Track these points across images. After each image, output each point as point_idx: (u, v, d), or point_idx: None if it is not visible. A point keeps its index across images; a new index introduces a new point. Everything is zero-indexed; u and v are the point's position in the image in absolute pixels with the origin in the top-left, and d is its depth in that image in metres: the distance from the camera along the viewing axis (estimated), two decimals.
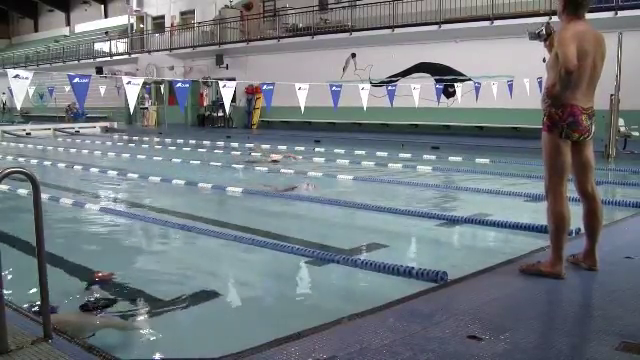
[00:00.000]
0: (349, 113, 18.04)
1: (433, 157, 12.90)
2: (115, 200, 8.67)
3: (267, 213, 7.41)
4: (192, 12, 30.04)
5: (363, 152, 14.14)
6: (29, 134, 23.65)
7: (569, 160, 3.87)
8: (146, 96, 30.03)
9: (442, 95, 13.48)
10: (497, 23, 18.00)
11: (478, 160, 12.03)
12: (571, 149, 3.88)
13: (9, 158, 14.39)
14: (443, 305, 3.39)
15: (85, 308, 3.87)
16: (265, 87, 9.41)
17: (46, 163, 13.19)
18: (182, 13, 30.73)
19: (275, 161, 12.33)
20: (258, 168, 11.56)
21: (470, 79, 17.00)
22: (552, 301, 3.60)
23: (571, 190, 4.04)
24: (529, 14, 16.93)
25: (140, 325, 3.77)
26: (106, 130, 25.78)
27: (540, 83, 10.60)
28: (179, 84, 8.26)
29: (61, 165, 12.62)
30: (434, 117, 19.08)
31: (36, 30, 48.64)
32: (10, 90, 7.36)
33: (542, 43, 4.19)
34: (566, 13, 3.89)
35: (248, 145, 16.02)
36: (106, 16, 41.28)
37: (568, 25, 3.84)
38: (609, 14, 15.78)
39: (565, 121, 3.78)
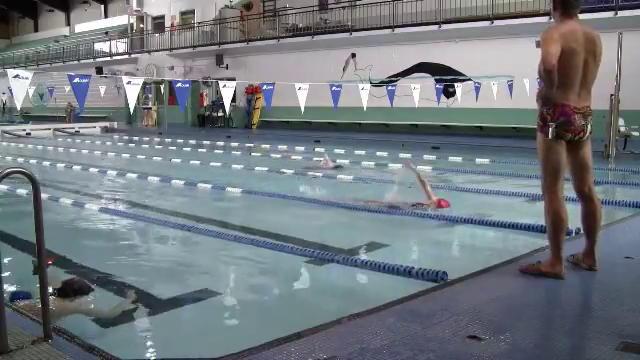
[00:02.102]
0: (349, 113, 18.04)
1: (433, 157, 12.90)
2: (122, 200, 8.63)
3: (268, 212, 7.41)
4: (192, 12, 30.04)
5: (363, 152, 14.13)
6: (29, 134, 23.65)
7: (563, 160, 3.85)
8: (150, 96, 30.03)
9: (442, 95, 13.48)
10: (497, 23, 18.01)
11: (478, 160, 12.02)
12: (567, 149, 3.86)
13: (9, 158, 14.39)
14: (443, 305, 3.39)
15: (60, 293, 3.86)
16: (265, 87, 9.41)
17: (46, 163, 13.19)
18: (182, 13, 30.73)
19: (337, 166, 11.32)
20: (342, 176, 10.13)
21: (470, 79, 17.00)
22: (552, 301, 3.60)
23: (570, 189, 4.05)
24: (529, 14, 16.95)
25: (133, 321, 3.78)
26: (106, 130, 25.79)
27: (540, 83, 10.60)
28: (179, 84, 8.27)
29: (61, 165, 12.62)
30: (434, 117, 19.09)
31: (36, 30, 48.64)
32: (10, 90, 7.36)
33: None
34: (557, 12, 3.89)
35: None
36: (106, 16, 41.27)
37: (558, 25, 3.85)
38: (609, 14, 15.79)
39: (556, 121, 3.77)
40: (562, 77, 3.72)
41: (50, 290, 3.85)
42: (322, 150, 13.53)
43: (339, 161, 11.97)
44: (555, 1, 3.90)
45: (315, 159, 12.56)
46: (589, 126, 3.85)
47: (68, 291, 3.87)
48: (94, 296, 4.07)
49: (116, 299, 4.13)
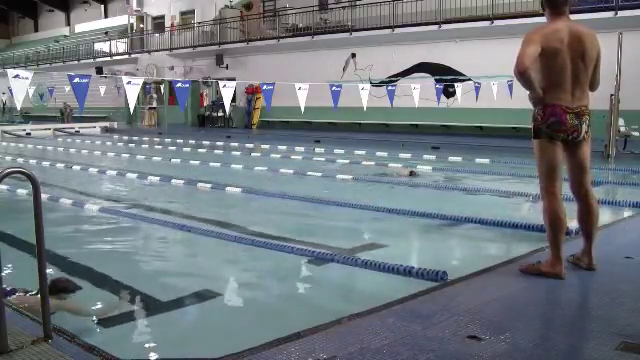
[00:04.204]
0: (349, 113, 18.04)
1: (433, 157, 12.90)
2: (122, 200, 8.61)
3: (268, 213, 7.40)
4: (192, 12, 30.05)
5: (363, 152, 14.13)
6: (29, 134, 23.65)
7: (559, 160, 3.83)
8: (154, 96, 30.02)
9: (442, 95, 13.48)
10: (497, 23, 18.01)
11: (478, 160, 12.02)
12: (564, 150, 3.85)
13: (9, 158, 14.39)
14: (443, 305, 3.39)
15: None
16: (265, 87, 9.41)
17: (46, 163, 13.19)
18: (182, 13, 30.74)
19: (412, 173, 10.18)
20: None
21: (470, 79, 17.00)
22: (552, 301, 3.60)
23: (569, 189, 4.04)
24: (529, 14, 16.93)
25: (133, 321, 3.78)
26: (106, 130, 25.79)
27: None
28: (179, 84, 8.26)
29: (61, 165, 12.62)
30: (434, 117, 19.08)
31: (36, 30, 48.63)
32: (10, 90, 7.36)
33: None
34: (547, 12, 3.89)
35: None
36: (106, 16, 41.27)
37: (544, 25, 3.85)
38: (609, 14, 15.80)
39: (547, 121, 3.76)
40: (550, 77, 3.72)
41: (34, 290, 3.86)
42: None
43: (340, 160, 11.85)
44: (542, 1, 3.90)
45: (391, 165, 11.41)
46: (584, 126, 3.82)
47: (52, 289, 3.86)
48: (93, 295, 4.07)
49: (109, 299, 4.14)
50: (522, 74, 3.59)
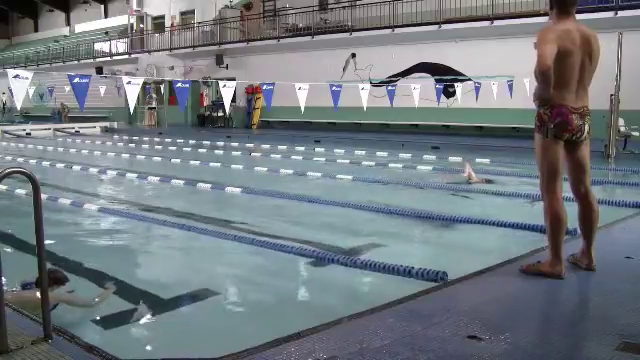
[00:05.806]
0: (349, 113, 18.04)
1: (433, 157, 12.89)
2: (122, 200, 8.62)
3: (268, 212, 7.40)
4: (192, 12, 30.04)
5: (363, 152, 14.13)
6: (29, 134, 23.66)
7: (561, 160, 3.84)
8: (154, 96, 30.02)
9: (442, 95, 13.48)
10: (497, 23, 18.01)
11: (478, 160, 12.02)
12: (565, 149, 3.85)
13: (9, 158, 14.39)
14: (443, 305, 3.39)
15: (37, 284, 3.85)
16: (265, 87, 9.41)
17: (46, 163, 13.19)
18: (182, 13, 30.72)
19: (488, 180, 9.22)
20: None
21: (470, 79, 17.00)
22: (552, 301, 3.60)
23: (569, 189, 4.04)
24: (529, 14, 16.94)
25: (133, 321, 3.78)
26: (106, 130, 25.79)
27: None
28: (179, 84, 8.26)
29: (61, 165, 12.62)
30: (434, 117, 19.09)
31: (36, 30, 48.61)
32: (10, 90, 7.36)
33: None
34: (554, 12, 3.89)
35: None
36: (106, 16, 41.26)
37: (553, 24, 3.84)
38: (609, 14, 15.79)
39: (553, 121, 3.76)
40: (558, 77, 3.70)
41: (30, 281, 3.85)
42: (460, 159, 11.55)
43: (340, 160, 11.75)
44: (551, 0, 3.89)
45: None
46: (587, 126, 3.83)
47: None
48: (91, 293, 4.07)
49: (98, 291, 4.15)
50: (544, 73, 3.58)
